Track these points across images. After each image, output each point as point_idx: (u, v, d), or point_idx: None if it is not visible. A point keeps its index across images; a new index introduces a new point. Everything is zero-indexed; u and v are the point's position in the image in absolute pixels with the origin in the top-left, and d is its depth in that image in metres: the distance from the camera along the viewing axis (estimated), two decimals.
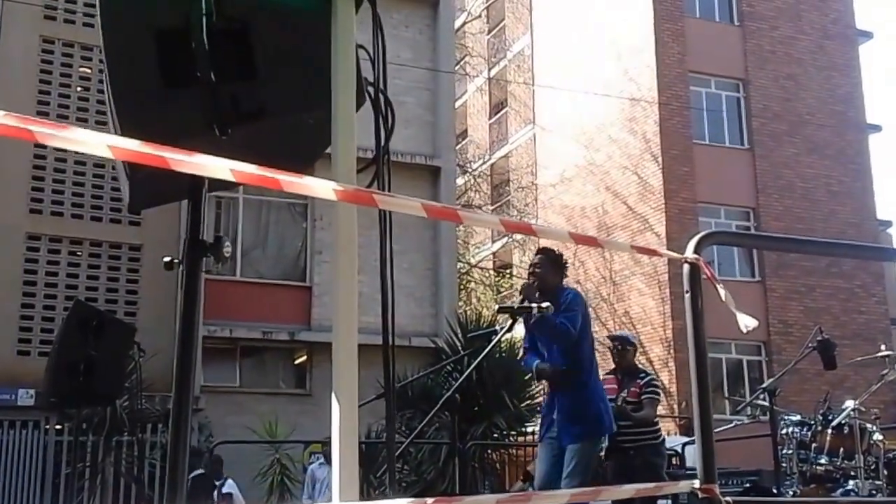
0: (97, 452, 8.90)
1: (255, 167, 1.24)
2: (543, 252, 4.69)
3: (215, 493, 7.91)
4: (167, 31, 1.68)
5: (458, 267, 17.66)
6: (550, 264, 4.52)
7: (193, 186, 1.83)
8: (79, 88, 12.00)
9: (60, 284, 11.56)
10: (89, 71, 11.85)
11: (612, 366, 5.61)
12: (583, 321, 4.38)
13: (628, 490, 2.19)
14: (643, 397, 5.22)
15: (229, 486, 8.45)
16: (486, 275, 23.19)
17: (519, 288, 4.78)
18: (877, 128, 20.47)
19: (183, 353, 1.79)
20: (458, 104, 20.26)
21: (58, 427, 10.44)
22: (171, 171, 1.18)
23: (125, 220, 11.76)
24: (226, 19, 1.69)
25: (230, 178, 1.22)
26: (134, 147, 1.17)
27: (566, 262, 4.70)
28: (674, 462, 7.70)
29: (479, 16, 24.67)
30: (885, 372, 4.67)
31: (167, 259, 1.89)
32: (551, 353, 4.44)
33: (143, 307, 11.58)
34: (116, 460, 9.22)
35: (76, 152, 11.72)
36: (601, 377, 5.57)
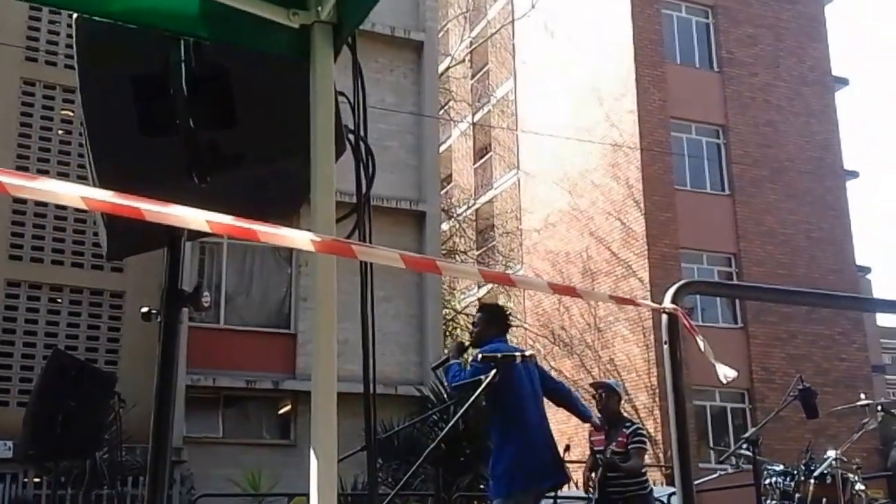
0: None
1: (231, 218, 1.23)
2: (483, 308, 4.95)
3: None
4: (145, 78, 1.67)
5: (444, 313, 17.58)
6: (488, 320, 4.69)
7: (172, 236, 1.82)
8: (60, 131, 11.98)
9: (40, 332, 11.39)
10: (71, 114, 11.82)
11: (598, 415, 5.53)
12: (502, 377, 4.23)
13: None
14: (630, 447, 5.18)
15: None
16: (472, 321, 23.02)
17: (448, 346, 5.03)
18: (854, 174, 20.85)
19: (160, 406, 1.76)
20: (442, 149, 20.47)
21: (36, 480, 10.19)
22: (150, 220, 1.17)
23: (107, 267, 11.63)
24: (204, 66, 1.68)
25: (206, 229, 1.21)
26: (108, 198, 1.16)
27: (508, 317, 4.88)
28: None
29: (463, 60, 25.09)
30: (865, 421, 4.75)
31: (144, 310, 1.87)
32: (486, 401, 4.54)
33: (125, 356, 11.40)
34: None
35: None
36: (589, 428, 5.58)
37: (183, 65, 1.64)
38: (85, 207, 1.14)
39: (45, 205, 11.56)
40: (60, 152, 11.84)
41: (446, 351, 4.62)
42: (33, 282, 11.56)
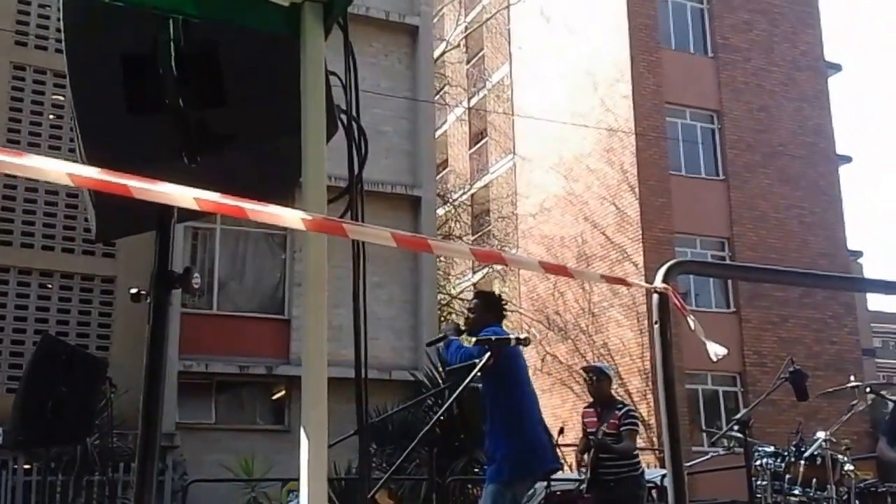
0: (67, 493, 8.64)
1: (218, 196, 1.21)
2: (479, 296, 4.91)
3: None
4: (134, 57, 1.64)
5: (439, 298, 17.59)
6: (484, 308, 4.64)
7: (161, 216, 1.79)
8: (51, 116, 11.84)
9: (30, 318, 11.27)
10: (62, 98, 11.67)
11: (591, 399, 5.60)
12: (508, 362, 4.29)
13: None
14: (622, 429, 5.24)
15: None
16: (468, 307, 23.07)
17: (444, 327, 5.04)
18: (847, 159, 20.91)
19: (150, 387, 1.74)
20: (437, 134, 20.39)
21: (26, 467, 10.09)
22: (138, 200, 1.15)
23: (98, 252, 11.54)
24: (194, 45, 1.65)
25: (194, 206, 1.19)
26: (95, 175, 1.14)
27: (503, 306, 4.84)
28: (654, 495, 7.67)
29: (458, 45, 24.95)
30: (854, 402, 4.77)
31: (134, 291, 1.84)
32: (486, 385, 4.49)
33: (117, 342, 11.29)
34: (87, 501, 8.94)
35: (48, 181, 11.73)
36: (581, 410, 5.66)
37: (172, 44, 1.61)
38: (71, 184, 1.11)
39: (35, 190, 11.49)
40: (51, 137, 11.72)
41: (442, 330, 4.55)
42: (23, 267, 11.44)
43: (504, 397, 4.38)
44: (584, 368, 5.90)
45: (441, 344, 4.53)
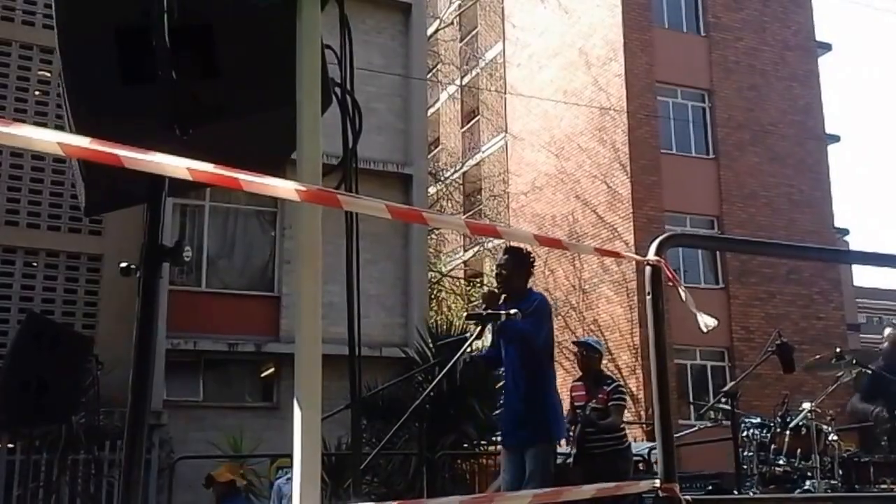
0: (52, 471, 8.52)
1: (212, 166, 1.19)
2: (510, 252, 4.59)
3: None
4: (126, 28, 1.62)
5: (430, 276, 17.63)
6: (517, 265, 4.46)
7: (152, 189, 1.76)
8: (37, 92, 11.63)
9: (14, 297, 11.11)
10: (49, 74, 11.47)
11: (580, 373, 5.66)
12: (547, 328, 4.39)
13: (590, 489, 2.20)
14: (610, 404, 5.31)
15: None
16: (457, 284, 23.20)
17: (480, 296, 4.89)
18: (835, 138, 21.04)
19: (139, 363, 1.72)
20: (430, 112, 20.30)
21: (10, 446, 9.94)
22: (129, 172, 1.13)
23: (85, 230, 11.40)
24: (188, 16, 1.63)
25: (187, 176, 1.18)
26: (85, 144, 1.12)
27: (534, 262, 4.62)
28: (640, 468, 7.87)
29: (452, 23, 24.78)
30: (839, 374, 4.81)
31: (124, 265, 1.82)
32: (508, 355, 4.46)
33: (103, 320, 11.16)
34: (72, 479, 8.85)
35: (33, 157, 11.40)
36: (571, 385, 5.71)
37: (165, 15, 1.59)
38: (62, 154, 1.09)
39: (20, 166, 11.36)
40: (37, 113, 11.53)
41: (480, 304, 4.39)
42: (8, 245, 11.29)
43: (542, 362, 4.41)
44: (575, 343, 5.96)
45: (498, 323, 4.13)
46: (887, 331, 5.07)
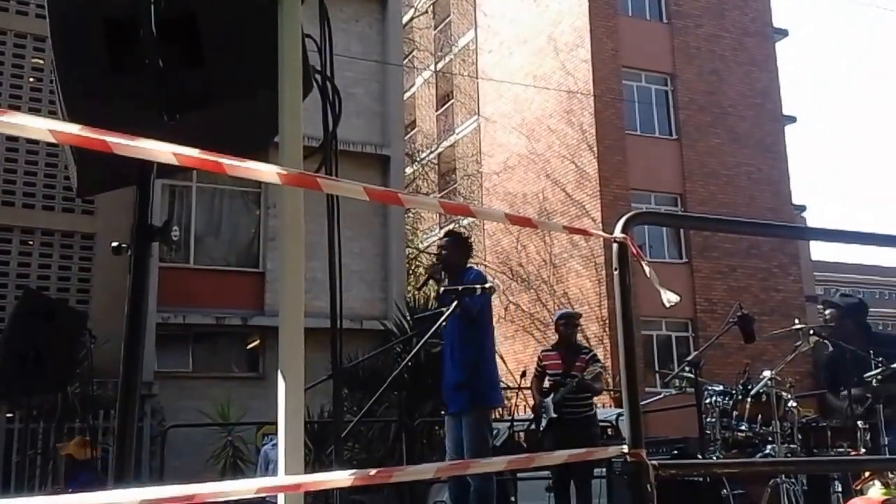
0: (49, 439, 8.68)
1: (197, 151, 1.23)
2: (449, 235, 4.91)
3: None
4: (115, 18, 1.66)
5: (407, 252, 17.96)
6: (456, 246, 4.74)
7: (141, 172, 1.79)
8: (31, 79, 11.80)
9: (11, 274, 11.30)
10: (42, 62, 11.66)
11: (553, 343, 5.97)
12: (483, 299, 4.45)
13: (562, 455, 2.27)
14: (596, 372, 5.57)
15: None
16: (439, 245, 23.58)
17: (424, 269, 5.12)
18: (792, 119, 21.63)
19: (131, 336, 1.72)
20: (406, 96, 20.63)
21: (9, 415, 9.94)
22: (119, 156, 1.17)
23: (78, 209, 11.62)
24: (174, 6, 1.67)
25: (173, 161, 1.21)
26: (76, 131, 1.15)
27: (471, 244, 4.93)
28: (609, 433, 8.15)
29: (426, 12, 25.07)
30: (798, 344, 4.83)
31: (115, 244, 1.84)
32: (448, 325, 4.50)
33: (96, 296, 11.39)
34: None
35: (28, 140, 11.65)
36: (541, 353, 6.05)
37: (152, 4, 1.63)
38: (54, 140, 1.14)
39: (15, 150, 11.52)
40: (31, 99, 11.65)
41: (426, 272, 4.63)
42: (4, 224, 11.47)
43: (480, 335, 4.54)
44: (564, 314, 6.07)
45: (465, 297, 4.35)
46: (828, 311, 5.08)
